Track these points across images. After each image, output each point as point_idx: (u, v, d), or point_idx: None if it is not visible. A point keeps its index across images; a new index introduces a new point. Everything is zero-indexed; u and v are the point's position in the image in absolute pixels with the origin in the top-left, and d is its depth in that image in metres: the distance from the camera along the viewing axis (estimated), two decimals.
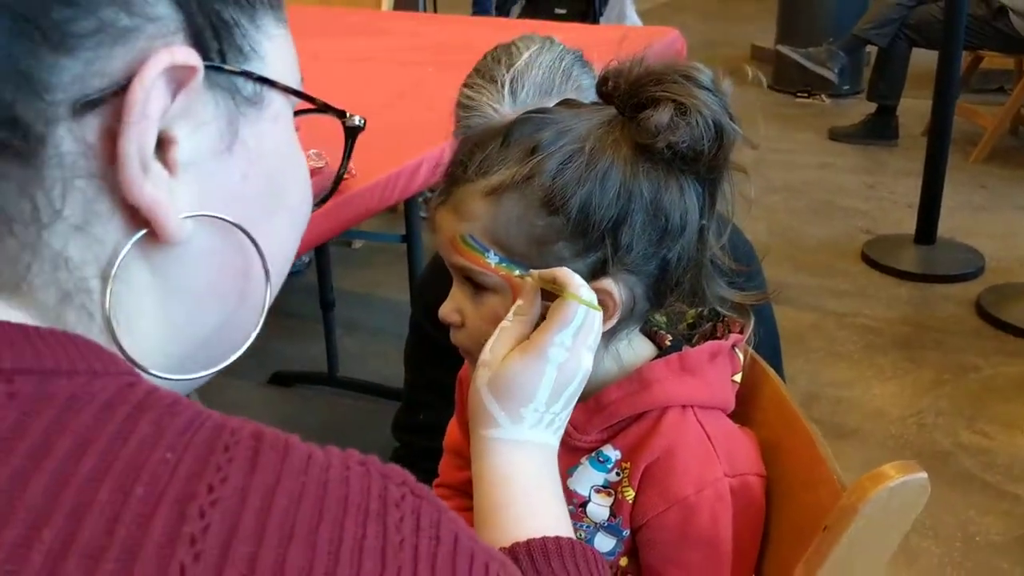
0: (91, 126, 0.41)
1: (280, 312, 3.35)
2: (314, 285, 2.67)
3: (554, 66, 1.24)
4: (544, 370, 0.74)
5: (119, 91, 0.41)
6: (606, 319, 0.82)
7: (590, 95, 1.23)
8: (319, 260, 2.60)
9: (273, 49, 0.47)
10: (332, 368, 2.67)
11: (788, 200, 3.99)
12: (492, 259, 0.81)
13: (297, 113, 0.53)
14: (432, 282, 0.87)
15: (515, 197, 0.80)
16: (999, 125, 4.28)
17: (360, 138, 1.84)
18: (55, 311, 0.43)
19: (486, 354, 0.77)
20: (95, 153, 0.41)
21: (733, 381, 0.93)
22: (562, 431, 0.78)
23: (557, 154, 0.79)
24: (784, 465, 0.91)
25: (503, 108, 1.23)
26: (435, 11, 5.34)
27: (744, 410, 0.95)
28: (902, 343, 2.92)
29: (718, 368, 0.91)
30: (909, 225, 3.46)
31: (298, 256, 2.36)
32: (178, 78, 0.42)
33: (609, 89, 0.83)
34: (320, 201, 0.56)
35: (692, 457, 0.85)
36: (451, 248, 0.83)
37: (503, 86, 1.24)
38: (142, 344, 0.45)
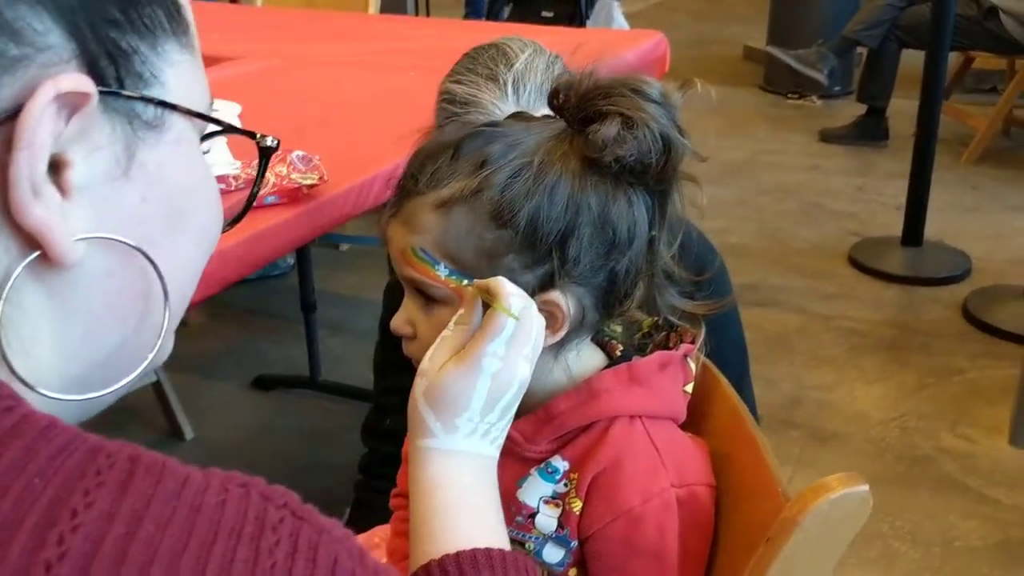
0: None
1: (264, 314, 3.37)
2: (298, 287, 2.67)
3: (549, 70, 1.26)
4: (477, 380, 0.74)
5: (8, 119, 0.41)
6: (554, 331, 0.83)
7: None
8: (300, 263, 2.60)
9: (176, 75, 0.48)
10: (314, 371, 2.67)
11: (778, 202, 3.99)
12: (442, 271, 0.81)
13: (209, 135, 0.53)
14: (400, 286, 0.87)
15: (464, 210, 0.80)
16: (990, 126, 4.28)
17: (336, 142, 1.85)
18: None
19: (425, 363, 0.77)
20: None
21: (684, 391, 0.93)
22: (500, 441, 0.77)
23: (506, 167, 0.80)
24: (733, 475, 0.91)
25: (506, 107, 1.23)
26: (427, 14, 5.34)
27: (696, 420, 0.95)
28: (887, 346, 2.92)
29: (668, 378, 0.90)
30: (897, 227, 3.46)
31: (278, 259, 2.33)
32: (72, 102, 0.42)
33: (560, 102, 0.84)
34: (231, 222, 0.56)
35: (639, 467, 0.85)
36: (402, 260, 0.84)
37: (505, 85, 1.24)
38: (36, 365, 0.45)
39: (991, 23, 4.06)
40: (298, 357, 2.73)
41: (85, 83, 0.42)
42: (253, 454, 2.43)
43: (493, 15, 4.87)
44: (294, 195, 1.62)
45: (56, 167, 0.43)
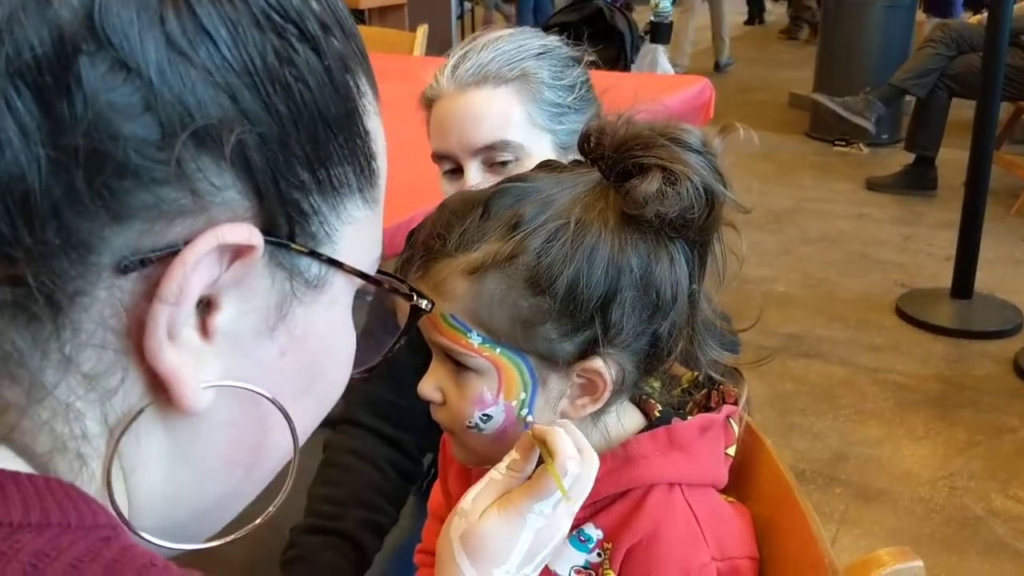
0: (130, 285, 0.39)
1: None
2: None
3: (509, 54, 1.22)
4: (520, 535, 0.70)
5: (168, 256, 0.38)
6: (595, 400, 0.79)
7: (542, 86, 1.21)
8: None
9: (351, 232, 0.44)
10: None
11: (823, 251, 3.93)
12: (475, 340, 0.77)
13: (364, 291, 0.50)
14: None
15: (498, 276, 0.75)
16: None
17: None
18: (45, 457, 0.40)
19: (467, 503, 0.73)
20: (125, 311, 0.39)
21: (726, 455, 0.88)
22: None
23: (541, 230, 0.75)
24: (777, 544, 0.86)
25: (441, 82, 1.22)
26: None
27: (737, 482, 0.90)
28: (935, 401, 2.83)
29: (710, 442, 0.85)
30: (946, 279, 3.38)
31: None
32: (235, 251, 0.39)
33: (591, 147, 0.79)
34: (366, 370, 0.53)
35: (677, 540, 0.80)
36: (431, 327, 0.79)
37: (449, 61, 1.23)
38: (138, 503, 0.43)
39: None
40: None
41: (254, 237, 0.39)
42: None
43: None
44: None
45: (205, 306, 0.40)
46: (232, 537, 0.47)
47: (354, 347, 0.49)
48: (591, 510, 0.82)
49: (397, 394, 1.31)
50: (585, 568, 0.82)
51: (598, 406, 0.79)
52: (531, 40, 1.26)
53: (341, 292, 0.46)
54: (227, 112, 0.38)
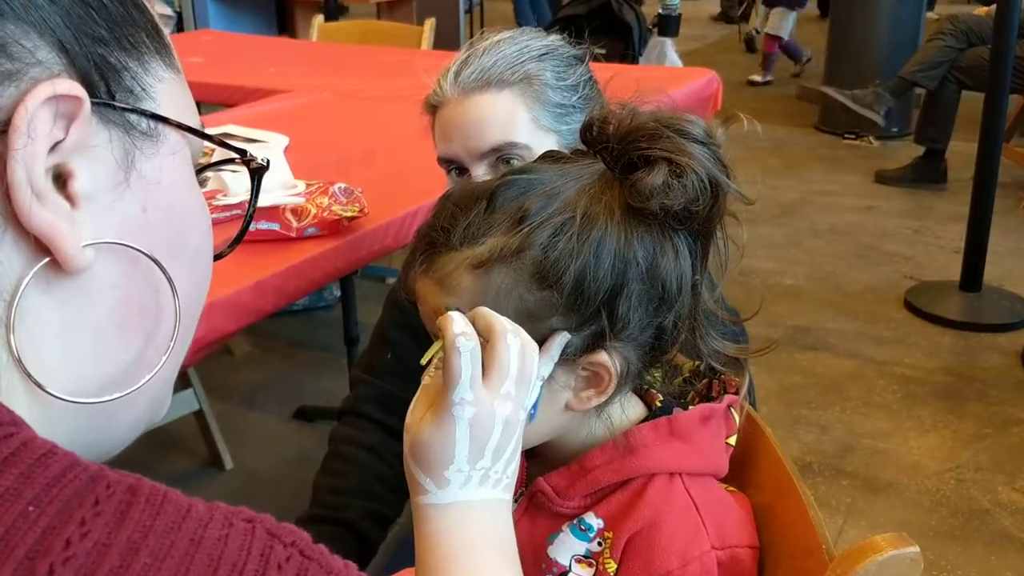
0: None
1: (308, 346, 3.37)
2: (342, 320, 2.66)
3: (511, 57, 1.22)
4: (454, 431, 0.69)
5: (6, 127, 0.42)
6: (600, 392, 0.79)
7: (546, 88, 1.21)
8: (344, 297, 2.59)
9: (165, 90, 0.49)
10: None
11: (831, 243, 3.92)
12: None
13: (205, 169, 0.55)
14: (404, 299, 0.83)
15: (504, 270, 0.75)
16: None
17: (379, 176, 1.84)
18: None
19: (408, 416, 0.72)
20: None
21: (727, 444, 0.88)
22: (507, 481, 0.72)
23: (547, 224, 0.75)
24: (777, 531, 0.87)
25: (445, 87, 1.23)
26: None
27: (738, 471, 0.91)
28: (943, 394, 2.83)
29: (711, 432, 0.85)
30: (955, 271, 3.38)
31: (317, 290, 2.31)
32: (67, 111, 0.43)
33: (593, 136, 0.79)
34: (231, 244, 0.57)
35: (678, 528, 0.80)
36: (435, 320, 0.77)
37: (452, 66, 1.23)
38: (45, 372, 0.45)
39: None
40: (341, 389, 2.70)
41: (77, 89, 0.43)
42: (292, 484, 2.41)
43: None
44: (334, 227, 1.61)
45: (62, 180, 0.44)
46: (128, 391, 0.48)
47: (208, 215, 0.53)
48: (591, 499, 0.83)
49: (404, 388, 1.32)
50: (586, 557, 0.82)
51: (603, 398, 0.79)
52: (533, 41, 1.26)
53: (177, 145, 0.49)
54: None
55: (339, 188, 1.65)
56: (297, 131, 2.25)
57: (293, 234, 1.57)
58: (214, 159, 0.58)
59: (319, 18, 3.86)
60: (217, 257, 0.55)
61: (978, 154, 3.23)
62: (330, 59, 3.39)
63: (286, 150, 2.11)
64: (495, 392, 0.70)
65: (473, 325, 0.71)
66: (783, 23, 6.48)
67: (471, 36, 1.35)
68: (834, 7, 5.50)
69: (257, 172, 0.56)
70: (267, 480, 2.47)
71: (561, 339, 0.76)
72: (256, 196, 0.56)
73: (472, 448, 0.69)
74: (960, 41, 4.20)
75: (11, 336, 0.43)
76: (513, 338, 0.71)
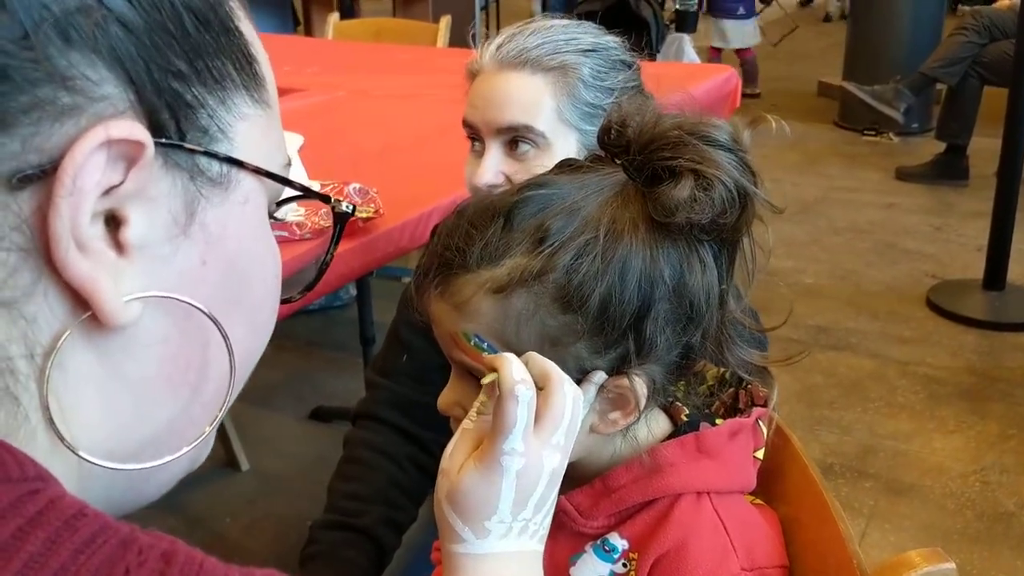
0: (26, 202, 0.38)
1: (324, 345, 3.36)
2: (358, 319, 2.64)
3: (556, 44, 1.21)
4: (501, 482, 0.66)
5: (55, 168, 0.38)
6: (626, 415, 0.76)
7: (579, 83, 1.19)
8: (360, 297, 2.58)
9: (245, 129, 0.44)
10: None
11: (852, 241, 3.88)
12: None
13: (284, 201, 0.51)
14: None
15: (525, 295, 0.71)
16: None
17: (394, 176, 1.80)
18: None
19: (446, 460, 0.69)
20: (29, 228, 0.38)
21: (755, 457, 0.85)
22: (542, 532, 0.70)
23: (570, 244, 0.71)
24: (805, 544, 0.84)
25: (484, 57, 1.23)
26: None
27: (765, 484, 0.88)
28: (967, 394, 2.79)
29: (739, 447, 0.82)
30: (977, 269, 3.33)
31: (332, 291, 2.31)
32: (127, 155, 0.39)
33: (612, 139, 0.76)
34: (303, 290, 0.53)
35: (707, 551, 0.77)
36: (452, 343, 0.75)
37: (499, 37, 1.23)
38: (78, 434, 0.41)
39: None
40: (357, 389, 2.68)
41: (139, 132, 0.39)
42: (308, 486, 2.39)
43: None
44: (349, 227, 1.59)
45: (114, 224, 0.40)
46: (170, 458, 0.45)
47: (278, 258, 0.49)
48: (616, 519, 0.80)
49: (419, 391, 1.30)
50: None
51: (630, 421, 0.76)
52: (585, 35, 1.24)
53: (252, 192, 0.45)
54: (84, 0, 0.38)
55: (354, 188, 1.63)
56: (312, 130, 2.23)
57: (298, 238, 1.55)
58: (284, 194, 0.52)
59: (334, 16, 3.84)
60: (285, 302, 0.51)
61: (1002, 150, 3.19)
62: (345, 57, 3.37)
63: (300, 149, 2.10)
64: (546, 443, 0.67)
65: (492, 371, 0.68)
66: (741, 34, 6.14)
67: (486, 33, 1.33)
68: (854, 2, 5.45)
69: (340, 218, 0.53)
70: (283, 481, 2.45)
71: (598, 379, 0.73)
72: (337, 241, 0.53)
73: (517, 499, 0.67)
74: (983, 36, 4.14)
75: (46, 392, 0.40)
76: (570, 387, 0.69)
